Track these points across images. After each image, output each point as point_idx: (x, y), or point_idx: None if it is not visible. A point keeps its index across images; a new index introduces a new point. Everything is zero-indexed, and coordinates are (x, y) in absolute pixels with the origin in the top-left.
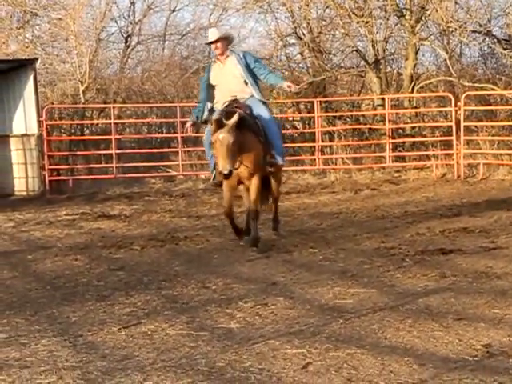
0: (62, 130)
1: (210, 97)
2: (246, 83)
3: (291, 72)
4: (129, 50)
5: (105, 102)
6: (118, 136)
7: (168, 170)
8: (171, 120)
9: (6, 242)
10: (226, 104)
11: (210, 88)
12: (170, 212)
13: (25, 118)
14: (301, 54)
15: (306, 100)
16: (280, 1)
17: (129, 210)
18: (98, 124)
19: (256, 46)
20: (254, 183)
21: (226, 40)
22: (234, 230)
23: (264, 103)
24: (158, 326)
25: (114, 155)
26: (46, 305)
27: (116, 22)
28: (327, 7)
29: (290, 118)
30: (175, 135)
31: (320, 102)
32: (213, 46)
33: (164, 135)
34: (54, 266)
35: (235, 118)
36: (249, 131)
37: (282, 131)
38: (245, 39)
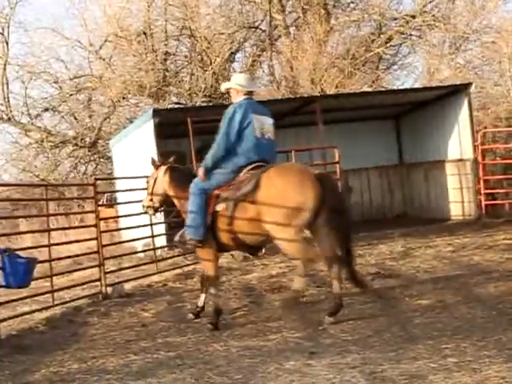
0: (496, 154)
1: None
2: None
3: None
4: None
5: None
6: None
7: None
8: None
9: (446, 267)
10: None
11: None
12: None
13: (459, 143)
14: None
15: None
16: None
17: None
18: None
19: None
20: None
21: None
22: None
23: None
24: None
25: None
26: (493, 330)
27: None
28: None
29: None
30: None
31: None
32: None
33: None
34: (497, 291)
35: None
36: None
37: None
38: None
